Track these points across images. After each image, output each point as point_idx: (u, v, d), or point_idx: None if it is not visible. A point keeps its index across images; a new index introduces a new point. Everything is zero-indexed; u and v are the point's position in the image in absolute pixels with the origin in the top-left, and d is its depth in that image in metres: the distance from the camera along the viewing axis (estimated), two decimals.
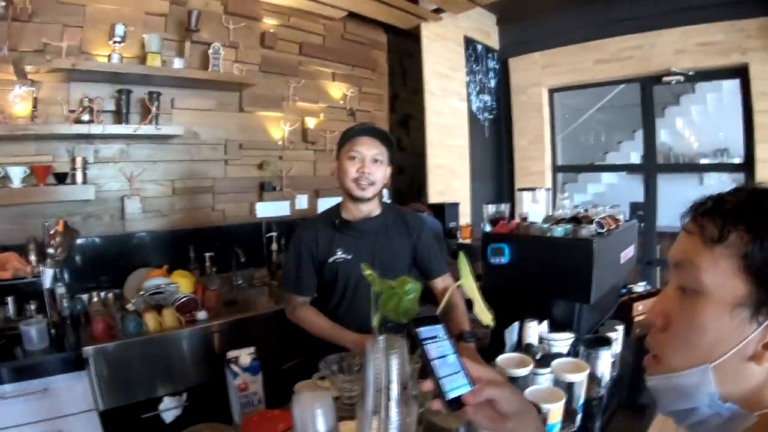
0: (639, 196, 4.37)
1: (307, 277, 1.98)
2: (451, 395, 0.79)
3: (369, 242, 1.95)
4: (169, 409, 1.66)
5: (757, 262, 0.59)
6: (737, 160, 4.29)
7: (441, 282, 2.07)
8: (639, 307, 2.35)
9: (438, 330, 0.84)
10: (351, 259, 1.92)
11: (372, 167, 1.88)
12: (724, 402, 0.62)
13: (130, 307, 2.47)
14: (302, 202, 3.73)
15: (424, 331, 0.83)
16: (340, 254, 1.93)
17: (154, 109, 2.80)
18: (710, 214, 0.64)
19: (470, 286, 1.02)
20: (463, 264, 1.04)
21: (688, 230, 0.67)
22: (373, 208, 1.99)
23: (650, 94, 4.22)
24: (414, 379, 0.94)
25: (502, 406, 0.82)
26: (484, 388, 0.81)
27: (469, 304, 1.03)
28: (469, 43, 4.52)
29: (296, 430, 0.85)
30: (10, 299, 2.38)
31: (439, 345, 0.83)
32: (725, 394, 0.62)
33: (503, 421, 0.82)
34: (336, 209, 2.02)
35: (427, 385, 0.80)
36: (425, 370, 0.80)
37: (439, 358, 0.81)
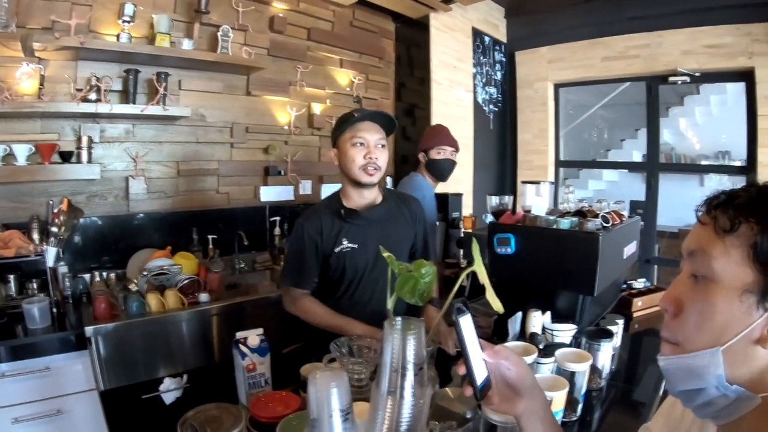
0: (639, 195, 4.38)
1: (310, 271, 1.91)
2: (479, 383, 0.83)
3: (376, 230, 1.89)
4: (170, 390, 1.65)
5: (765, 252, 0.63)
6: (739, 163, 4.30)
7: None
8: (638, 302, 2.37)
9: (470, 319, 0.86)
10: (357, 249, 1.87)
11: (377, 152, 1.85)
12: (730, 384, 0.66)
13: (132, 287, 2.46)
14: (306, 187, 3.75)
15: (462, 320, 0.84)
16: (346, 244, 1.86)
17: (161, 90, 2.79)
18: (723, 207, 0.68)
19: (482, 272, 1.02)
20: (476, 251, 1.04)
21: (703, 221, 0.71)
22: (376, 195, 1.95)
23: (656, 94, 4.22)
24: (429, 362, 0.95)
25: (518, 374, 0.87)
26: (502, 350, 0.87)
27: (479, 290, 1.04)
28: (477, 34, 4.51)
29: (311, 408, 0.85)
30: (12, 277, 2.41)
31: (470, 334, 0.85)
32: (732, 377, 0.66)
33: (515, 400, 0.86)
34: (336, 197, 1.96)
35: (462, 369, 0.84)
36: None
37: (471, 346, 0.84)
